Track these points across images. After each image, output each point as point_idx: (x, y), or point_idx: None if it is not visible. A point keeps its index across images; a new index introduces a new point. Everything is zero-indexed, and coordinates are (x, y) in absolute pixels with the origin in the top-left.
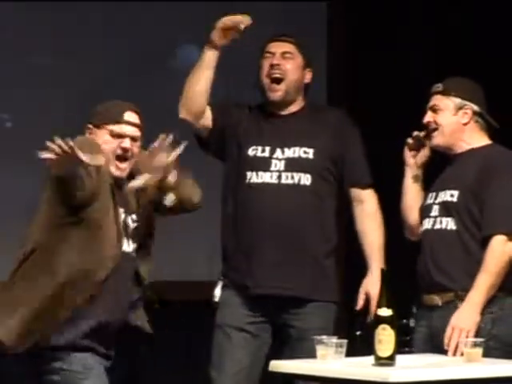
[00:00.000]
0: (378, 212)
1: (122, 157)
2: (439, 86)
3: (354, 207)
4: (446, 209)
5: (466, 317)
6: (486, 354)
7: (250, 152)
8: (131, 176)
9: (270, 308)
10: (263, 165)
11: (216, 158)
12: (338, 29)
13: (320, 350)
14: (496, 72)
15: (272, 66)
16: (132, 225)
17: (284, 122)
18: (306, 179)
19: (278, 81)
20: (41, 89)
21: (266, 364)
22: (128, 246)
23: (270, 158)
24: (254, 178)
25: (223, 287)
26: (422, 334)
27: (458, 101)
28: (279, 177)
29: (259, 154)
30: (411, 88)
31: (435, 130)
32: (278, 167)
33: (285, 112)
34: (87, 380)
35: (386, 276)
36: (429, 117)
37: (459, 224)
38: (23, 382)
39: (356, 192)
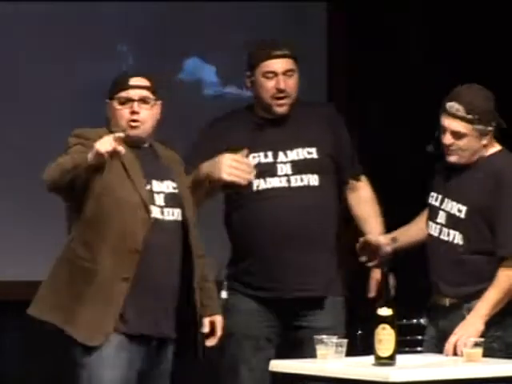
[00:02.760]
0: (375, 198)
1: (133, 120)
2: (460, 110)
3: (350, 196)
4: (454, 222)
5: (471, 326)
6: (490, 356)
7: (252, 160)
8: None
9: (283, 310)
10: (269, 170)
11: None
12: (338, 29)
13: (320, 349)
14: (496, 72)
15: (278, 91)
16: (166, 190)
17: (279, 126)
18: (314, 180)
19: (284, 97)
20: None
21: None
22: (161, 213)
23: (275, 162)
24: (262, 184)
25: (229, 292)
26: (430, 332)
27: (481, 128)
28: (288, 180)
29: (262, 160)
30: (411, 88)
31: (455, 150)
32: (285, 171)
33: (277, 116)
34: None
35: (386, 276)
36: (449, 140)
37: (466, 240)
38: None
39: (353, 183)
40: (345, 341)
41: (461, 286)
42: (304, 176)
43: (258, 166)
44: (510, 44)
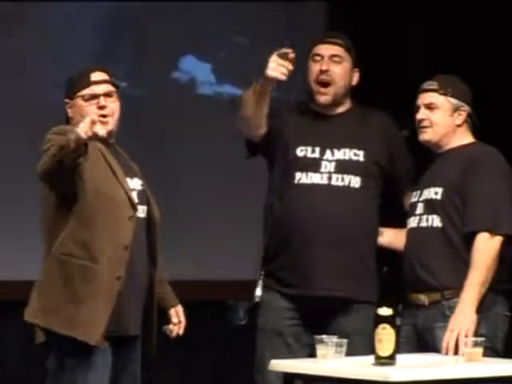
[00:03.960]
0: None
1: (102, 115)
2: (434, 84)
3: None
4: (431, 206)
5: (463, 317)
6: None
7: (299, 152)
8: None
9: (314, 309)
10: (313, 166)
11: (263, 157)
12: (338, 29)
13: (320, 349)
14: (495, 72)
15: (321, 72)
16: (137, 188)
17: (332, 123)
18: (355, 182)
19: (327, 84)
20: None
21: None
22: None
23: (320, 159)
24: (303, 178)
25: (264, 288)
26: (406, 333)
27: (455, 102)
28: (329, 178)
29: (309, 154)
30: (411, 88)
31: (428, 126)
32: (329, 169)
33: (332, 113)
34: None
35: (385, 275)
36: (423, 114)
37: (445, 220)
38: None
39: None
40: (345, 341)
41: (441, 271)
42: (346, 176)
43: (303, 159)
44: (510, 43)
